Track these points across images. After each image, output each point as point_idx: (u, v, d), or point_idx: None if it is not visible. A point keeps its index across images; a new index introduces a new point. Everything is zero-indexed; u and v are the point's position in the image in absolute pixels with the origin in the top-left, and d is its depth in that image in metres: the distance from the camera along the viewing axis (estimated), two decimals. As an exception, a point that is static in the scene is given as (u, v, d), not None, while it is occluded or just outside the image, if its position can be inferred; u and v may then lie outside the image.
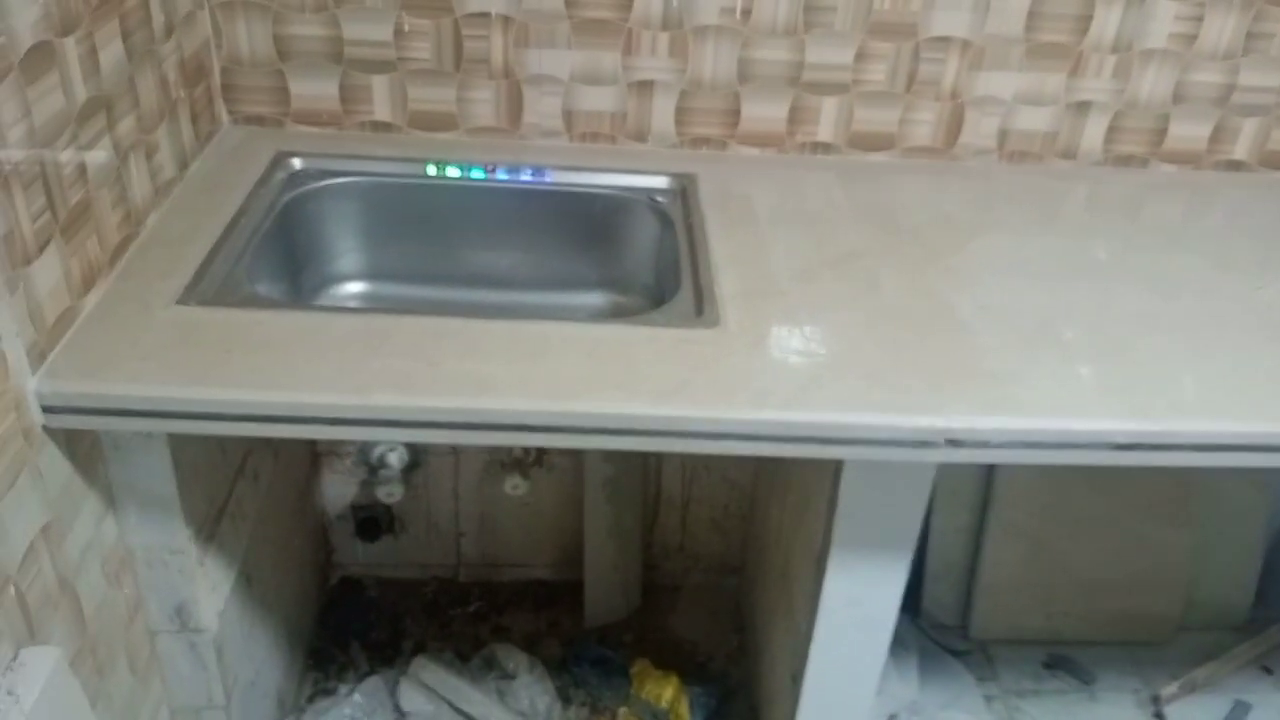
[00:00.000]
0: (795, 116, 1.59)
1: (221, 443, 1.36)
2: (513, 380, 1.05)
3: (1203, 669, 1.90)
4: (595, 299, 1.55)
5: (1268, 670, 1.96)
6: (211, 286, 1.18)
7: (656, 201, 1.48)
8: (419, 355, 1.08)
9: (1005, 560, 1.90)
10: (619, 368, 1.09)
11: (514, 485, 1.81)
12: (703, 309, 1.20)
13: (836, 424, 1.05)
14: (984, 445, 1.05)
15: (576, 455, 1.87)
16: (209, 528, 1.31)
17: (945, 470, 1.86)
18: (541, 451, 1.89)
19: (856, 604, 1.32)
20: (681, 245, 1.36)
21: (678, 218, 1.43)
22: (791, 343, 1.15)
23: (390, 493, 1.80)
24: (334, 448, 1.87)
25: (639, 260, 1.50)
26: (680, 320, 1.18)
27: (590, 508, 1.87)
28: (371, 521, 1.93)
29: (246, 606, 1.45)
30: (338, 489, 1.92)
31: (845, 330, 1.18)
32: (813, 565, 1.34)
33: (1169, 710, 1.84)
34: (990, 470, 1.85)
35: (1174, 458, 1.08)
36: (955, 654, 1.91)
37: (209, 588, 1.30)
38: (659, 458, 1.91)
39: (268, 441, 1.55)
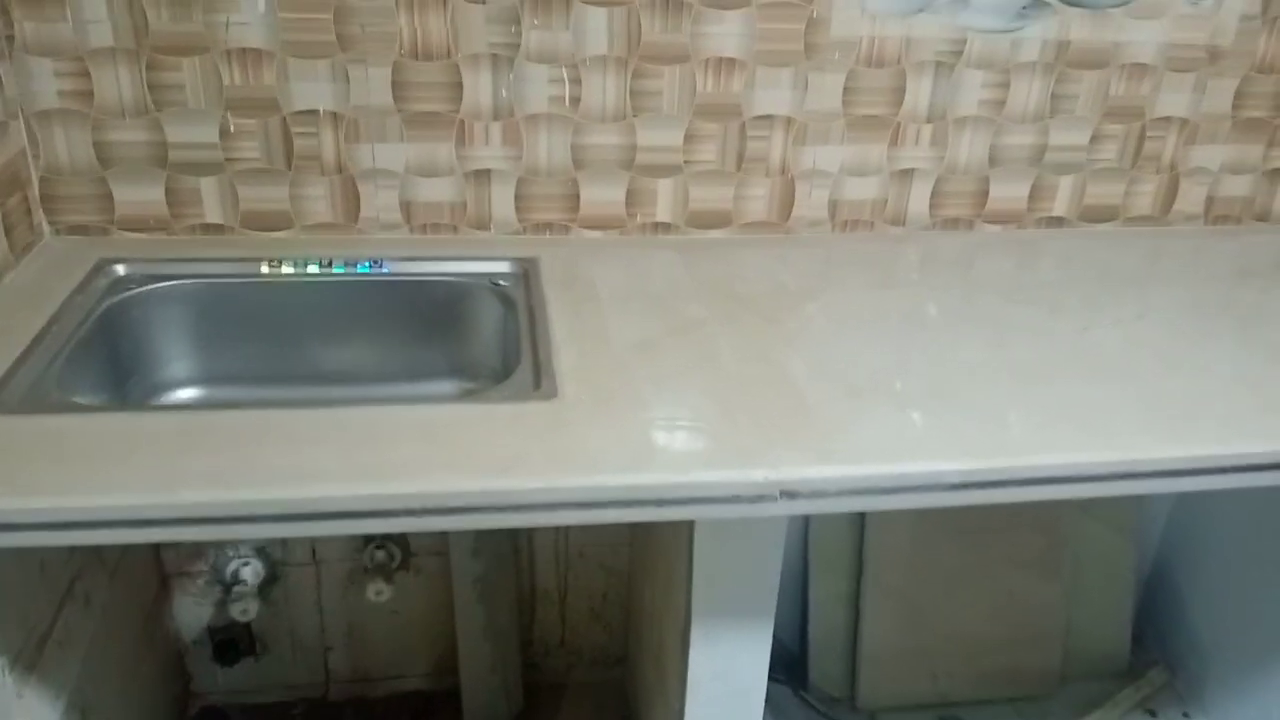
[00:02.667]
0: (633, 199, 1.62)
1: (41, 563, 1.27)
2: (338, 467, 1.01)
3: (1089, 718, 1.91)
4: (444, 387, 1.52)
5: (1152, 713, 1.98)
6: (14, 395, 1.11)
7: (499, 285, 1.48)
8: (237, 449, 1.03)
9: (885, 626, 1.89)
10: (452, 446, 1.06)
11: (377, 591, 1.74)
12: (540, 383, 1.19)
13: (671, 484, 1.03)
14: (819, 495, 1.05)
15: (443, 555, 1.81)
16: (28, 656, 1.21)
17: (818, 538, 1.88)
18: (407, 555, 1.82)
19: (723, 677, 1.29)
20: (522, 325, 1.35)
21: (520, 300, 1.43)
22: (628, 410, 1.14)
23: (245, 610, 1.71)
24: (183, 566, 1.77)
25: (485, 345, 1.49)
26: (517, 395, 1.17)
27: (461, 608, 1.80)
28: (229, 644, 1.82)
29: (77, 744, 1.34)
30: (191, 611, 1.81)
31: (683, 395, 1.18)
32: (679, 641, 1.31)
33: (1061, 762, 1.85)
34: (861, 534, 1.86)
35: (1007, 494, 1.10)
36: (844, 726, 1.88)
37: (27, 724, 1.20)
38: (531, 549, 1.87)
39: (100, 561, 1.46)
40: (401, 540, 1.81)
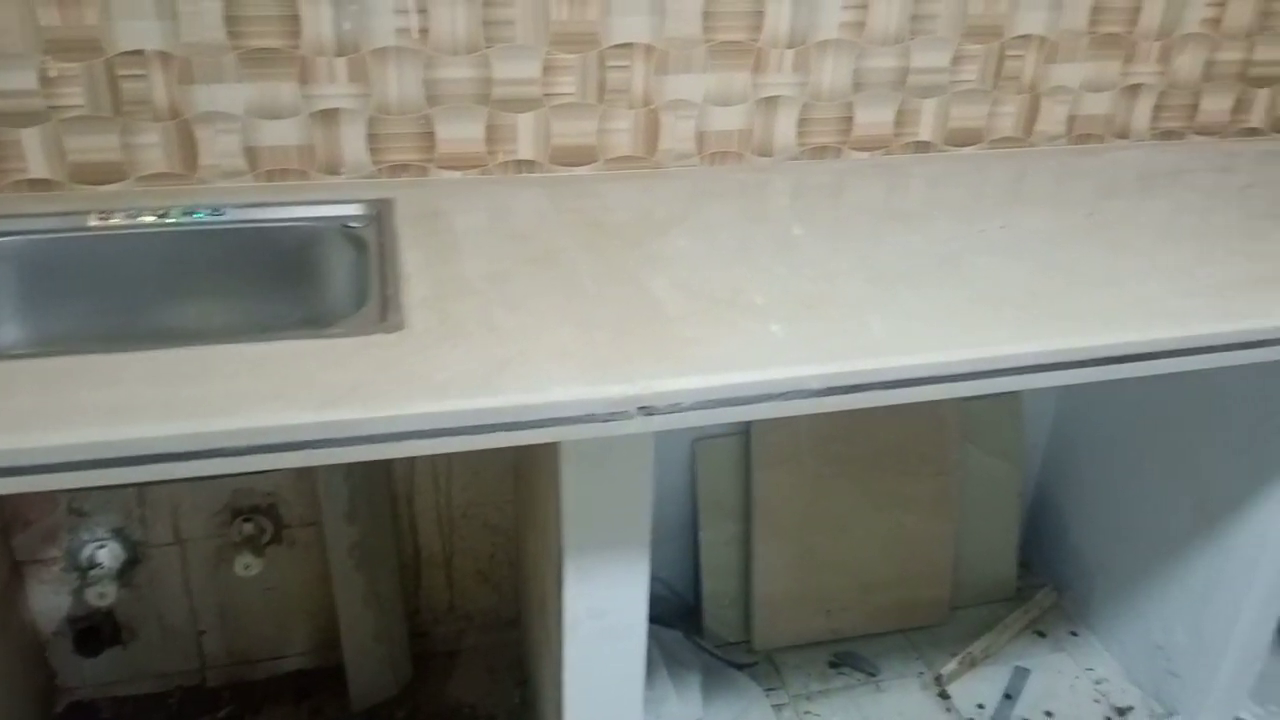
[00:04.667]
0: (492, 135, 1.56)
1: None
2: (155, 407, 0.93)
3: (979, 642, 1.93)
4: (298, 340, 1.44)
5: (1041, 634, 2.01)
6: None
7: (350, 228, 1.40)
8: (47, 392, 0.95)
9: (777, 567, 1.88)
10: (284, 380, 0.99)
11: (245, 565, 1.65)
12: (386, 316, 1.12)
13: (523, 405, 0.98)
14: (678, 408, 1.02)
15: (317, 525, 1.72)
16: None
17: (706, 482, 1.85)
18: (279, 526, 1.74)
19: (601, 615, 1.24)
20: (372, 264, 1.28)
21: (371, 241, 1.35)
22: (481, 336, 1.08)
23: (103, 594, 1.60)
24: (35, 553, 1.65)
25: (339, 292, 1.41)
26: (361, 329, 1.10)
27: (339, 579, 1.72)
28: (91, 632, 1.71)
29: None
30: (48, 601, 1.69)
31: (539, 318, 1.13)
32: (555, 582, 1.27)
33: (952, 688, 1.85)
34: (749, 477, 1.84)
35: (870, 397, 1.08)
36: (741, 667, 1.86)
37: None
38: (411, 512, 1.80)
39: (-76, 547, 1.34)
40: (271, 511, 1.72)
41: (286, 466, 0.96)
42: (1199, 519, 1.72)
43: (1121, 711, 1.83)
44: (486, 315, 1.13)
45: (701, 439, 1.83)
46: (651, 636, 1.79)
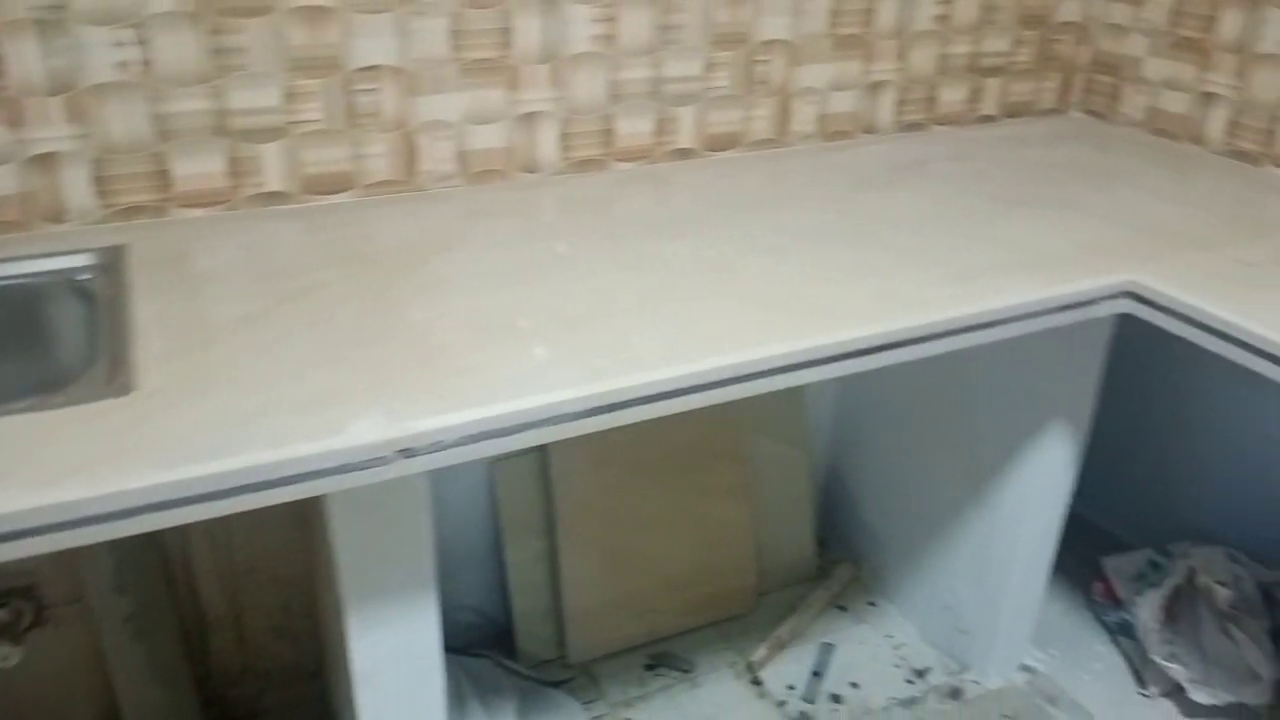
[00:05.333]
0: (235, 168, 1.47)
1: None
2: None
3: (785, 626, 1.99)
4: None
5: (843, 609, 2.09)
6: None
7: (78, 281, 1.29)
8: None
9: (586, 577, 1.88)
10: (-4, 463, 0.90)
11: (3, 657, 1.50)
12: (115, 377, 1.04)
13: (264, 464, 0.93)
14: (439, 447, 0.99)
15: (82, 600, 1.59)
16: None
17: (506, 499, 1.83)
18: (40, 607, 1.59)
19: (392, 661, 1.20)
20: (102, 320, 1.18)
21: (102, 293, 1.25)
22: (221, 389, 1.02)
23: None
24: None
25: (69, 353, 1.29)
26: (86, 395, 1.01)
27: (115, 654, 1.59)
28: None
29: None
30: None
31: (291, 363, 1.07)
32: (341, 634, 1.21)
33: (765, 673, 1.90)
34: (549, 489, 1.82)
35: (633, 414, 1.08)
36: (558, 684, 1.84)
37: None
38: (190, 574, 1.68)
39: None
40: (29, 593, 1.57)
41: (7, 559, 0.87)
42: (970, 484, 1.84)
43: (920, 673, 1.93)
44: (231, 365, 1.06)
45: (498, 460, 1.81)
46: (458, 669, 1.76)
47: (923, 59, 1.95)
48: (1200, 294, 1.34)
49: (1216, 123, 1.91)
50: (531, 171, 1.67)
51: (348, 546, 1.11)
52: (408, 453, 0.97)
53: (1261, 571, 1.89)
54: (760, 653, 1.92)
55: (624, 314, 1.21)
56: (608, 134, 1.71)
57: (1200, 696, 1.81)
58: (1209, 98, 1.92)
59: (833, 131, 1.91)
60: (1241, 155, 1.88)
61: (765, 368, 1.14)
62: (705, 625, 2.00)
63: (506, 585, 1.87)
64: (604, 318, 1.20)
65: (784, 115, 1.84)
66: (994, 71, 2.05)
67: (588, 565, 1.87)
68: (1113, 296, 1.41)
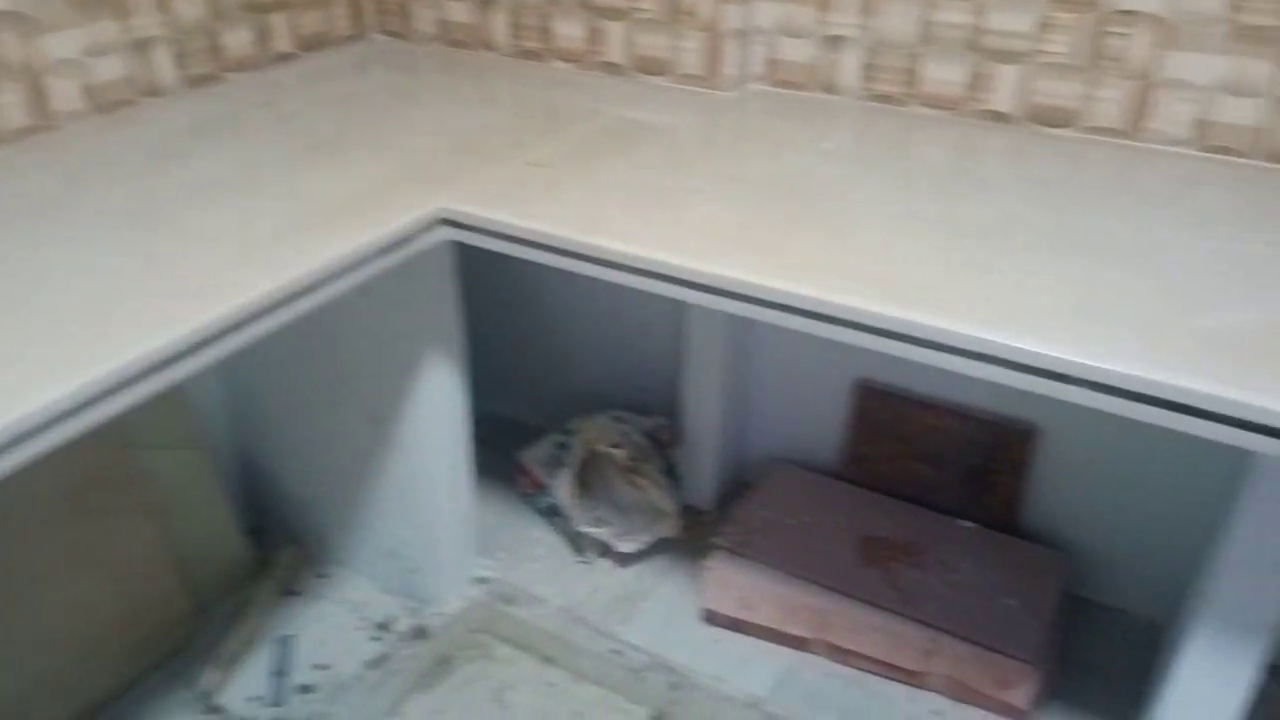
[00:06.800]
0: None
1: None
2: None
3: (232, 638, 1.82)
4: None
5: (295, 593, 1.96)
6: None
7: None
8: None
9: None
10: None
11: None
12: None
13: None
14: None
15: None
16: None
17: None
18: None
19: None
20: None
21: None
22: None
23: None
24: None
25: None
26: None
27: None
28: None
29: None
30: None
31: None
32: None
33: (222, 698, 1.74)
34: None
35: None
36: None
37: None
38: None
39: None
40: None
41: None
42: (375, 428, 1.80)
43: (384, 626, 1.89)
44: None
45: None
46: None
47: (188, 7, 1.77)
48: (496, 207, 1.39)
49: (500, 27, 2.01)
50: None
51: None
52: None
53: (643, 421, 2.13)
54: (209, 678, 1.75)
55: None
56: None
57: (626, 546, 1.99)
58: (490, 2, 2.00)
59: (109, 102, 1.68)
60: (528, 54, 1.99)
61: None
62: (149, 670, 1.77)
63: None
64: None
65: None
66: (276, 7, 1.95)
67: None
68: (429, 228, 1.41)
